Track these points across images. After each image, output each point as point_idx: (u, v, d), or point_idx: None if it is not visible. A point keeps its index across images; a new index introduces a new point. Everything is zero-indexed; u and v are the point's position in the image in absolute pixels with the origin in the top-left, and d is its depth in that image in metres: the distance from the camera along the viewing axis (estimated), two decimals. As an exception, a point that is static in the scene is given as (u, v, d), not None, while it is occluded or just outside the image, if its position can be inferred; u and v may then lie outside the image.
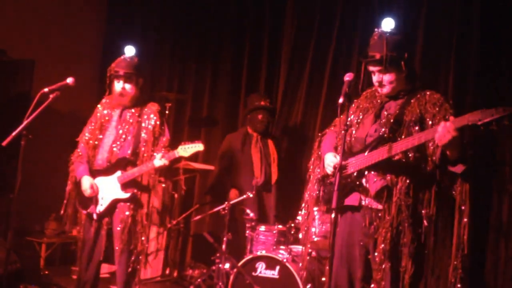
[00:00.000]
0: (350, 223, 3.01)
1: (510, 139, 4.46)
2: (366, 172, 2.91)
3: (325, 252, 4.24)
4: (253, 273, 4.27)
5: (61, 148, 4.31)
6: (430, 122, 2.81)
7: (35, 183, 4.87)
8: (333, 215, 2.64)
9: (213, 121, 6.08)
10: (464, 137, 2.64)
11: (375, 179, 2.88)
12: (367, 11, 5.20)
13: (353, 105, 3.14)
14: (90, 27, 6.65)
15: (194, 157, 4.25)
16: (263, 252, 4.34)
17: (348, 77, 2.80)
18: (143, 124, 3.81)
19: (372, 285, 2.87)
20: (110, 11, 6.81)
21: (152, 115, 3.82)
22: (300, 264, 4.06)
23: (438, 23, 4.84)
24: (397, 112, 2.93)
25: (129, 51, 3.90)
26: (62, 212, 3.92)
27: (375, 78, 2.99)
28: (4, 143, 3.45)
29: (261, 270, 4.26)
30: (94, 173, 3.82)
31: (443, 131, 2.55)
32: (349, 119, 3.00)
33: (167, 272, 5.62)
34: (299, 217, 4.42)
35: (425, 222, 2.80)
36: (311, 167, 3.26)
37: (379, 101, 3.06)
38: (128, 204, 3.74)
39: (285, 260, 4.15)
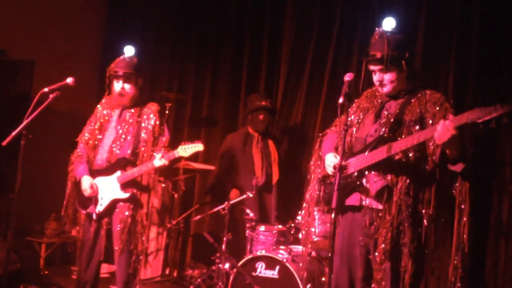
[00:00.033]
0: (350, 223, 3.01)
1: (510, 138, 4.46)
2: (366, 172, 2.91)
3: (325, 252, 4.25)
4: (253, 273, 4.27)
5: (61, 148, 4.31)
6: (430, 122, 2.81)
7: (35, 183, 4.87)
8: (333, 215, 2.65)
9: (213, 121, 6.07)
10: (464, 137, 2.65)
11: (376, 179, 2.88)
12: (367, 11, 5.20)
13: (354, 105, 3.14)
14: (90, 27, 6.64)
15: (194, 157, 4.26)
16: (263, 252, 4.34)
17: (348, 77, 2.81)
18: (142, 124, 3.81)
19: (373, 285, 2.88)
20: (110, 11, 6.81)
21: (151, 115, 3.82)
22: (301, 264, 4.06)
23: (438, 23, 4.84)
24: (397, 112, 2.93)
25: (129, 51, 3.90)
26: (62, 212, 3.92)
27: (376, 78, 2.99)
28: (4, 143, 3.45)
29: (261, 270, 4.26)
30: (93, 173, 3.81)
31: (442, 130, 2.55)
32: (349, 119, 3.00)
33: (167, 272, 5.62)
34: (299, 217, 4.43)
35: (425, 222, 2.81)
36: (312, 167, 3.26)
37: (379, 100, 3.06)
38: (128, 204, 3.74)
39: (285, 260, 4.15)
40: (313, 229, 4.19)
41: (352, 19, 5.31)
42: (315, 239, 4.26)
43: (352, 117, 3.09)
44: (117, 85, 3.81)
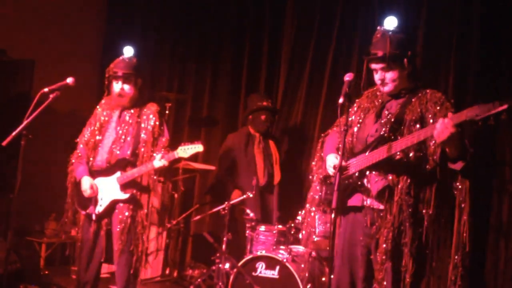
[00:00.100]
0: (352, 223, 3.02)
1: (510, 138, 4.46)
2: (367, 172, 2.91)
3: (326, 252, 4.24)
4: (253, 273, 4.26)
5: (61, 148, 4.31)
6: (431, 121, 2.81)
7: (35, 183, 4.88)
8: (333, 215, 2.65)
9: (213, 121, 6.07)
10: (464, 135, 2.64)
11: (377, 179, 2.88)
12: (367, 11, 5.20)
13: (355, 105, 3.14)
14: (90, 27, 6.64)
15: (194, 157, 4.25)
16: (263, 252, 4.33)
17: (348, 77, 2.80)
18: (142, 125, 3.80)
19: (374, 285, 2.88)
20: (110, 11, 6.80)
21: (151, 116, 3.81)
22: (302, 265, 4.06)
23: (438, 23, 4.84)
24: (398, 111, 2.93)
25: (128, 51, 3.89)
26: (65, 214, 3.92)
27: (377, 76, 2.99)
28: (4, 143, 3.45)
29: (261, 270, 4.25)
30: (93, 174, 3.81)
31: (441, 128, 2.55)
32: (350, 119, 3.00)
33: (167, 272, 5.62)
34: (299, 217, 4.43)
35: (426, 222, 2.81)
36: (314, 168, 3.26)
37: (380, 100, 3.06)
38: (128, 204, 3.74)
39: (285, 260, 4.15)
40: (313, 229, 4.19)
41: (352, 19, 5.31)
42: (316, 239, 4.25)
43: (353, 117, 3.09)
44: (117, 86, 3.80)
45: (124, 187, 3.73)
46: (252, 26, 5.95)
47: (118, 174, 3.74)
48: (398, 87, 2.97)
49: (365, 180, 2.92)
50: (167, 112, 5.59)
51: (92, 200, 3.77)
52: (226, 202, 4.58)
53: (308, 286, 4.06)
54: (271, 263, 4.23)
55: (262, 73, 5.89)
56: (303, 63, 5.57)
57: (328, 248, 3.84)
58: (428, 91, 2.93)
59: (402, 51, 2.90)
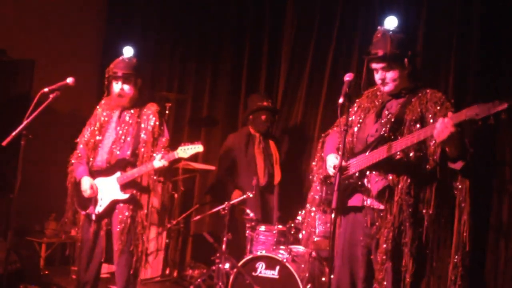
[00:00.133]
0: (352, 223, 3.02)
1: (510, 138, 4.46)
2: (367, 172, 2.91)
3: (326, 252, 4.24)
4: (253, 273, 4.26)
5: (61, 148, 4.31)
6: (431, 121, 2.81)
7: (35, 183, 4.87)
8: (333, 215, 2.65)
9: (213, 121, 6.07)
10: (464, 135, 2.64)
11: (377, 179, 2.89)
12: (367, 11, 5.20)
13: (355, 104, 3.14)
14: (90, 27, 6.64)
15: (194, 157, 4.25)
16: (263, 252, 4.33)
17: (348, 77, 2.80)
18: (142, 125, 3.80)
19: (374, 285, 2.88)
20: (110, 11, 6.81)
21: (151, 116, 3.81)
22: (302, 266, 4.06)
23: (438, 23, 4.84)
24: (398, 111, 2.93)
25: (128, 51, 3.89)
26: (65, 214, 3.92)
27: (377, 76, 2.99)
28: (4, 143, 3.45)
29: (261, 270, 4.25)
30: (93, 174, 3.81)
31: (441, 127, 2.55)
32: (350, 119, 3.00)
33: (167, 272, 5.62)
34: (299, 217, 4.43)
35: (426, 222, 2.81)
36: (314, 168, 3.26)
37: (380, 100, 3.06)
38: (128, 205, 3.74)
39: (285, 260, 4.15)
40: (313, 229, 4.19)
41: (352, 19, 5.31)
42: (316, 239, 4.25)
43: (353, 117, 3.09)
44: (116, 86, 3.80)
45: (124, 187, 3.73)
46: (252, 26, 5.95)
47: (118, 174, 3.74)
48: (398, 86, 2.97)
49: (365, 180, 2.92)
50: (167, 112, 5.58)
51: (92, 200, 3.77)
52: (226, 202, 4.58)
53: (308, 286, 4.05)
54: (271, 263, 4.23)
55: (262, 73, 5.89)
56: (303, 63, 5.57)
57: (328, 248, 3.85)
58: (428, 91, 2.93)
59: (402, 50, 2.90)
